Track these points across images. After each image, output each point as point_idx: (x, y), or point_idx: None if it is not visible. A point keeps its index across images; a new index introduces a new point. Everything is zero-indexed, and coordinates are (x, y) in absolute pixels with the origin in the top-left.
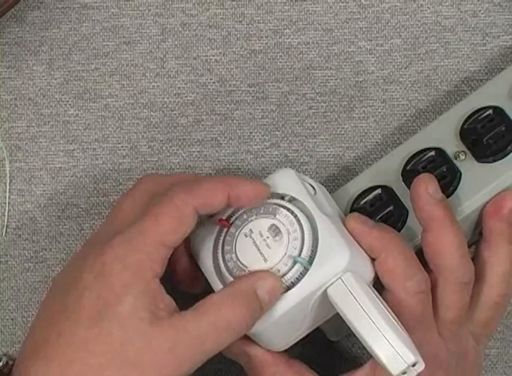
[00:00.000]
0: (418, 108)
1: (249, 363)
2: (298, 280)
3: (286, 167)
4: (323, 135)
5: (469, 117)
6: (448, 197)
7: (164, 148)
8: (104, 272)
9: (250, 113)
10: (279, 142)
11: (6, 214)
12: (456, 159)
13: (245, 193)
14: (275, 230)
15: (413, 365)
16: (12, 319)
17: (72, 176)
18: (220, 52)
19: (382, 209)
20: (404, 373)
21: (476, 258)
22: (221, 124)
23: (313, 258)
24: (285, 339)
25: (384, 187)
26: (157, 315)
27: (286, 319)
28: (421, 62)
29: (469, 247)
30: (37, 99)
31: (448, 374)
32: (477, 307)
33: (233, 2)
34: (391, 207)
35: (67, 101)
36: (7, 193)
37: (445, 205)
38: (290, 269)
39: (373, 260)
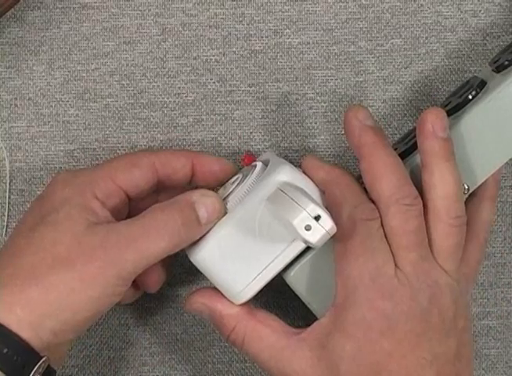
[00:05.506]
0: (418, 108)
1: (211, 317)
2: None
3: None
4: (323, 135)
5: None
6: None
7: (164, 148)
8: (47, 193)
9: (250, 113)
10: (279, 142)
11: (6, 214)
12: None
13: (209, 164)
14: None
15: (317, 219)
16: None
17: None
18: (220, 52)
19: None
20: (308, 228)
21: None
22: (221, 124)
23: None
24: (242, 276)
25: None
26: (94, 222)
27: (233, 240)
28: (421, 62)
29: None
30: (37, 99)
31: (413, 310)
32: (434, 235)
33: (233, 2)
34: None
35: (67, 101)
36: (7, 193)
37: (376, 131)
38: (237, 186)
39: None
